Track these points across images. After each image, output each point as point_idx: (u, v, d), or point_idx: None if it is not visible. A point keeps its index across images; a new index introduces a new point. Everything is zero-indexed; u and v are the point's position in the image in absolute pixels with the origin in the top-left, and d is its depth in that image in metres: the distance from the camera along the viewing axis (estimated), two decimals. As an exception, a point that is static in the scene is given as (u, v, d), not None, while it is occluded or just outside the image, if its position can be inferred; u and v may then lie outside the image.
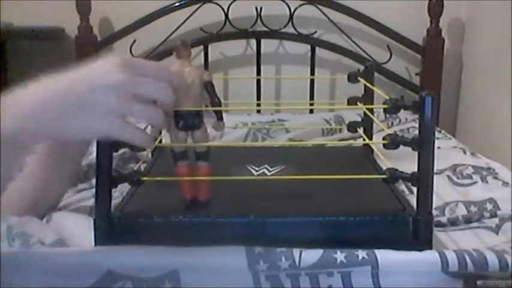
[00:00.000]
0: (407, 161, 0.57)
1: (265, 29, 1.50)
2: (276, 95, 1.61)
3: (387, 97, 0.59)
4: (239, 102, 1.55)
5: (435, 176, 0.55)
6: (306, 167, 0.72)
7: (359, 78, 0.80)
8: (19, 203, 0.68)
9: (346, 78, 0.81)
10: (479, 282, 0.49)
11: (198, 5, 1.46)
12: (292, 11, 1.48)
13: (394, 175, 0.57)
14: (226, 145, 0.94)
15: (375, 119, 0.77)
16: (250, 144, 1.06)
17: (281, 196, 0.61)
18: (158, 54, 1.48)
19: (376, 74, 0.82)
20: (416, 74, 1.55)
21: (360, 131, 0.83)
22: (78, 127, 0.48)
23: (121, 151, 0.63)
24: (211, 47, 1.52)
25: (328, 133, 1.19)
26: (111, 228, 0.55)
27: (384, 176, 0.57)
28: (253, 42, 1.53)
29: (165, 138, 0.71)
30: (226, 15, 1.48)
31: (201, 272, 0.50)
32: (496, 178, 0.87)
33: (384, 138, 0.57)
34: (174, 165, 0.60)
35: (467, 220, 0.72)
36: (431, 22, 1.47)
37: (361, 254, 0.50)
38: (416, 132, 0.54)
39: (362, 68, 0.81)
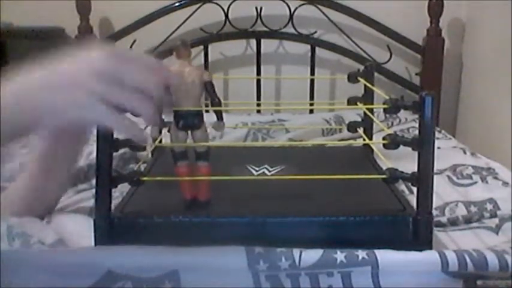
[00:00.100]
0: (407, 161, 0.57)
1: (265, 29, 1.50)
2: (276, 95, 1.61)
3: (387, 97, 0.59)
4: (239, 102, 1.55)
5: (435, 176, 0.55)
6: (306, 167, 0.72)
7: (359, 78, 0.80)
8: (18, 202, 0.69)
9: (346, 78, 0.81)
10: (479, 282, 0.49)
11: (198, 5, 1.46)
12: (292, 11, 1.48)
13: (394, 175, 0.57)
14: (226, 145, 0.94)
15: (375, 119, 0.77)
16: (250, 144, 1.06)
17: (281, 196, 0.61)
18: (158, 54, 1.48)
19: (376, 74, 0.82)
20: (416, 74, 1.55)
21: (360, 131, 0.83)
22: (61, 105, 0.49)
23: (121, 151, 0.63)
24: (211, 47, 1.52)
25: (328, 133, 1.19)
26: (111, 228, 0.55)
27: (384, 176, 0.57)
28: (253, 42, 1.53)
29: (165, 138, 0.71)
30: (226, 15, 1.48)
31: (201, 272, 0.50)
32: (496, 178, 0.87)
33: (384, 138, 0.57)
34: (174, 165, 0.60)
35: (467, 220, 0.72)
36: (431, 22, 1.47)
37: (361, 254, 0.50)
38: (416, 132, 0.55)
39: (362, 68, 0.82)
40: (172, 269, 0.50)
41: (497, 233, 0.69)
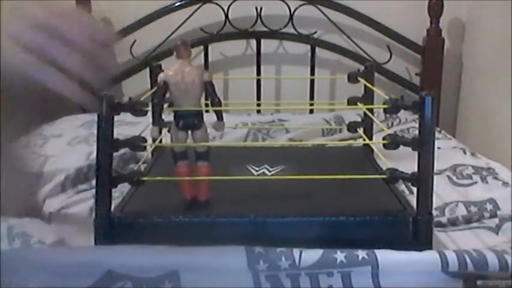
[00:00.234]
0: (407, 161, 0.57)
1: (265, 29, 1.50)
2: (276, 95, 1.61)
3: (387, 97, 0.59)
4: (239, 102, 1.55)
5: (435, 176, 0.55)
6: (306, 167, 0.72)
7: (359, 78, 0.80)
8: None
9: (346, 78, 0.81)
10: (479, 282, 0.49)
11: (198, 5, 1.46)
12: (292, 11, 1.48)
13: (394, 175, 0.57)
14: (226, 145, 0.94)
15: (374, 119, 0.77)
16: (250, 144, 1.06)
17: (281, 196, 0.61)
18: (158, 54, 1.48)
19: (376, 74, 0.82)
20: (416, 74, 1.55)
21: (360, 131, 0.83)
22: None
23: (121, 151, 0.63)
24: (211, 47, 1.52)
25: (328, 133, 1.19)
26: (111, 228, 0.55)
27: (384, 176, 0.57)
28: (253, 42, 1.53)
29: (165, 138, 0.71)
30: (226, 15, 1.48)
31: (201, 272, 0.50)
32: (496, 178, 0.87)
33: (384, 138, 0.57)
34: (174, 165, 0.60)
35: (467, 220, 0.72)
36: (431, 22, 1.47)
37: (361, 254, 0.50)
38: (416, 132, 0.55)
39: (362, 68, 0.82)
40: (172, 269, 0.50)
41: (497, 233, 0.69)
